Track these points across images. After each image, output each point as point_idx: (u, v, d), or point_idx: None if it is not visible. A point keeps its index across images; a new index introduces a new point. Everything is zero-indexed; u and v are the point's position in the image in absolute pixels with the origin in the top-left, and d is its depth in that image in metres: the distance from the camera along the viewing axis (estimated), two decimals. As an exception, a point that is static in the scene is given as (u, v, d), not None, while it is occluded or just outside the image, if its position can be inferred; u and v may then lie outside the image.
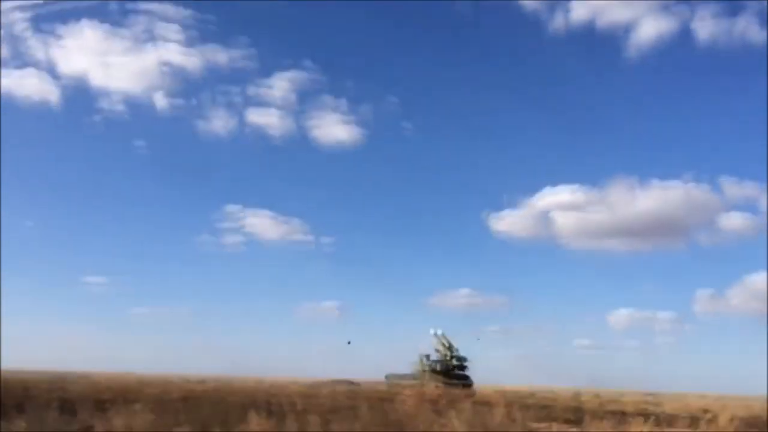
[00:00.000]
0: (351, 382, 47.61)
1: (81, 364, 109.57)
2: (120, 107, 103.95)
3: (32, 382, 34.34)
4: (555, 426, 16.23)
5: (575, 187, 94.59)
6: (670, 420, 19.40)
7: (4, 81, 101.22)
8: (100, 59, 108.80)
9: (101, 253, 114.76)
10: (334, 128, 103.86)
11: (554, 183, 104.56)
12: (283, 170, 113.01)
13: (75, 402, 18.21)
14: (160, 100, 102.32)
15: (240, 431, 12.66)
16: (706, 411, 23.57)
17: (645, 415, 18.77)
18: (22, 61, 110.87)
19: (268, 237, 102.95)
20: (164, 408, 16.31)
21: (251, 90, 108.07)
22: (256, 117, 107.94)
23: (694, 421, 18.71)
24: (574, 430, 15.14)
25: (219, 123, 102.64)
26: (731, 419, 18.15)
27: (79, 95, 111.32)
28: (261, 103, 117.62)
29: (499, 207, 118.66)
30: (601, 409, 24.20)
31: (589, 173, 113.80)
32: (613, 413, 20.09)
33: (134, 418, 13.29)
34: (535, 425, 16.47)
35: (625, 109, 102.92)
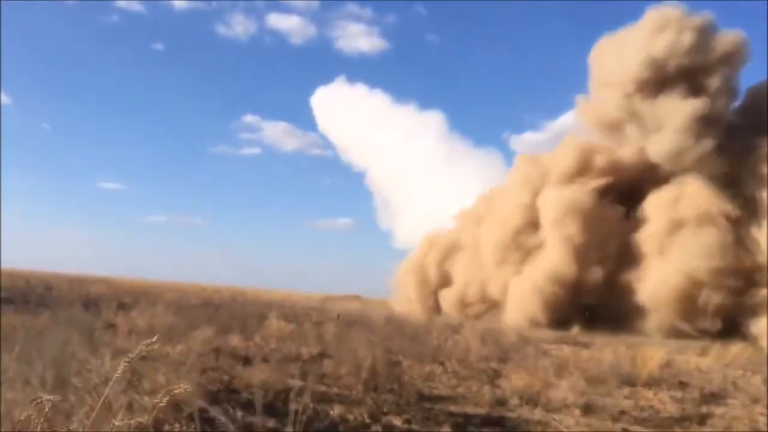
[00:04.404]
0: (359, 298, 48.42)
1: (97, 268, 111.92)
2: (138, 7, 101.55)
3: (54, 281, 35.25)
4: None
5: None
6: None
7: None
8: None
9: (118, 159, 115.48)
10: (357, 39, 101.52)
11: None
12: (304, 80, 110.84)
13: (97, 302, 18.63)
14: (179, 2, 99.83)
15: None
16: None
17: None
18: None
19: (286, 149, 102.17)
20: (184, 312, 16.65)
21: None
22: (277, 22, 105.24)
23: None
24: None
25: (239, 28, 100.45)
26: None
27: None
28: (283, 8, 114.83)
29: (520, 128, 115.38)
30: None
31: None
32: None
33: (155, 319, 13.54)
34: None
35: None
